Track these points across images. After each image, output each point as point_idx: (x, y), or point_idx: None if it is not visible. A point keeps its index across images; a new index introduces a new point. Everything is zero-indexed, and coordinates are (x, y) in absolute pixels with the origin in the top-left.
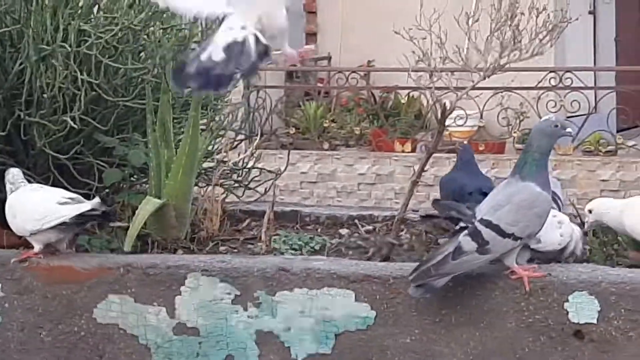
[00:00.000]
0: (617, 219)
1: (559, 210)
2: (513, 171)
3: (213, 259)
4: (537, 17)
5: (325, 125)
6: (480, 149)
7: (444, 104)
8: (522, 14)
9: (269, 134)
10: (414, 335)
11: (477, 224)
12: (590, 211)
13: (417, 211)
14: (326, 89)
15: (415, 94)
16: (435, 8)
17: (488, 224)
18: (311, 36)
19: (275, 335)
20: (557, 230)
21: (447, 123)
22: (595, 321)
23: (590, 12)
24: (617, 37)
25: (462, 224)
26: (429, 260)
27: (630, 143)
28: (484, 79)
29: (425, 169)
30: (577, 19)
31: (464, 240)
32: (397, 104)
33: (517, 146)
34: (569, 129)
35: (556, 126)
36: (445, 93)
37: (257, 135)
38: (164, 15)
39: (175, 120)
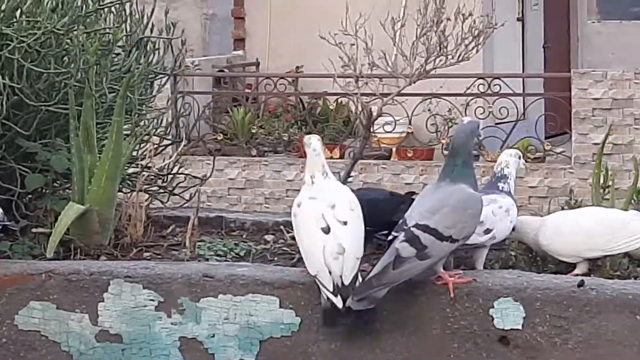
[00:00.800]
0: (534, 240)
1: None
2: (442, 175)
3: (137, 265)
4: (463, 22)
5: (253, 131)
6: (409, 155)
7: (370, 109)
8: (448, 19)
9: (196, 140)
10: (338, 341)
11: (413, 229)
12: (513, 229)
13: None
14: (254, 95)
15: (344, 100)
16: (361, 13)
17: (425, 228)
18: (239, 42)
19: (200, 342)
20: (507, 218)
21: (375, 129)
22: (520, 327)
23: (518, 19)
24: (545, 44)
25: (392, 235)
26: (368, 272)
27: (559, 150)
28: (410, 84)
29: (353, 174)
30: (502, 25)
31: (402, 247)
32: (326, 110)
33: (446, 152)
34: (480, 129)
35: (472, 126)
36: (373, 99)
37: (182, 140)
38: (88, 20)
39: (98, 126)
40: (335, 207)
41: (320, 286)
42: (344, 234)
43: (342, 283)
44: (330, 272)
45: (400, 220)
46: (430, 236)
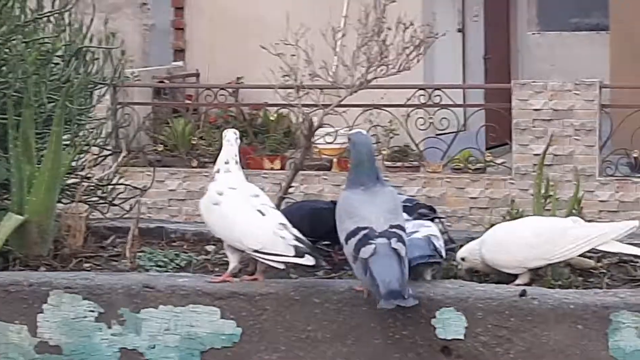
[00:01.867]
0: (482, 259)
1: None
2: (364, 180)
3: (76, 276)
4: (404, 32)
5: (194, 142)
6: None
7: (311, 120)
8: (389, 29)
9: (136, 151)
10: (280, 351)
11: (395, 230)
12: (463, 259)
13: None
14: (194, 106)
15: (285, 111)
16: (302, 23)
17: (400, 227)
18: (179, 53)
19: (140, 353)
20: (438, 242)
21: (316, 140)
22: (462, 337)
23: (459, 30)
24: (485, 55)
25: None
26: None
27: (499, 160)
28: (351, 94)
29: (293, 185)
30: (444, 35)
31: (399, 247)
32: (266, 121)
33: (387, 163)
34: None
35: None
36: (314, 110)
37: (122, 151)
38: (26, 29)
39: (37, 136)
40: (259, 196)
41: (270, 257)
42: (281, 215)
43: (311, 246)
44: (284, 239)
45: (363, 230)
46: (405, 234)
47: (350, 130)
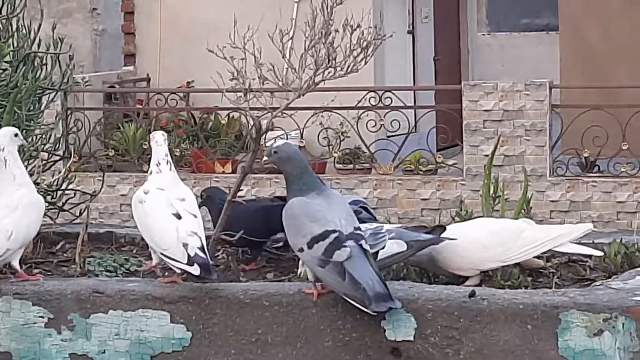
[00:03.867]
0: (429, 258)
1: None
2: (318, 184)
3: (25, 282)
4: (351, 34)
5: (145, 147)
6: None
7: (260, 123)
8: (337, 31)
9: (87, 156)
10: (230, 355)
11: (360, 232)
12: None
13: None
14: (145, 111)
15: (236, 114)
16: (249, 26)
17: (360, 229)
18: (129, 57)
19: (90, 359)
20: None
21: (267, 143)
22: (412, 338)
23: (409, 32)
24: (435, 57)
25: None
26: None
27: (450, 162)
28: (299, 97)
29: (242, 189)
30: (391, 36)
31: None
32: (217, 125)
33: (338, 166)
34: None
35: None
36: (265, 114)
37: (71, 156)
38: None
39: None
40: (185, 200)
41: (171, 261)
42: (197, 224)
43: (206, 259)
44: (186, 245)
45: (333, 232)
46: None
47: (280, 138)
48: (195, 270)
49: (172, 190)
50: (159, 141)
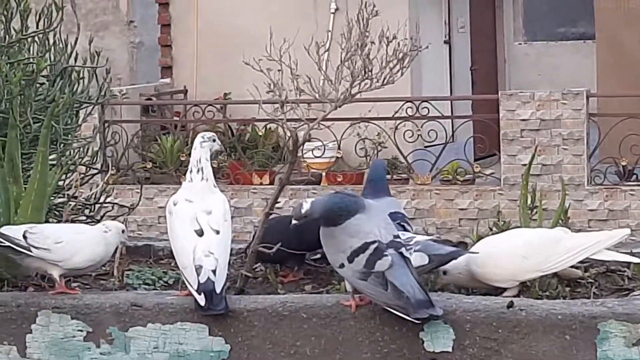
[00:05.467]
0: (466, 275)
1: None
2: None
3: (64, 295)
4: (387, 45)
5: (183, 159)
6: (339, 179)
7: (296, 134)
8: (373, 42)
9: (125, 169)
10: None
11: (400, 240)
12: (444, 273)
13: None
14: (182, 123)
15: (273, 126)
16: (286, 38)
17: (399, 237)
18: (166, 70)
19: None
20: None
21: (304, 155)
22: (450, 349)
23: (445, 42)
24: (472, 66)
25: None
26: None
27: (488, 171)
28: (336, 108)
29: (280, 200)
30: (427, 47)
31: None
32: (255, 137)
33: None
34: None
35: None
36: (302, 125)
37: (109, 169)
38: (11, 50)
39: (24, 156)
40: (211, 213)
41: (185, 281)
42: (216, 242)
43: (214, 287)
44: (200, 268)
45: (372, 244)
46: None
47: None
48: (201, 300)
49: (200, 202)
50: (195, 145)
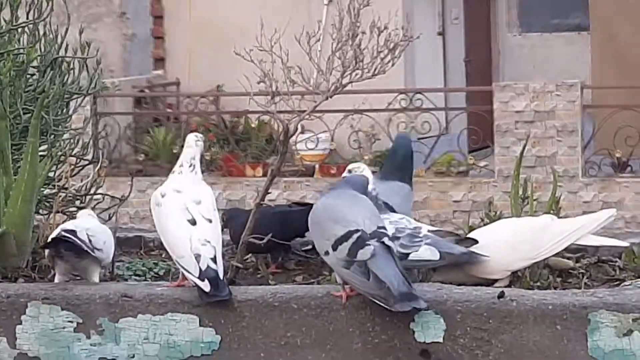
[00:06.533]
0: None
1: None
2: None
3: (54, 287)
4: (378, 36)
5: (175, 151)
6: (332, 171)
7: (287, 125)
8: (364, 32)
9: (118, 161)
10: (259, 358)
11: (384, 231)
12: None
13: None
14: (175, 115)
15: (266, 118)
16: (276, 28)
17: (384, 228)
18: (159, 61)
19: None
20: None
21: (298, 147)
22: (441, 340)
23: (439, 33)
24: (466, 58)
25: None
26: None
27: (482, 163)
28: (327, 99)
29: (273, 192)
30: (418, 38)
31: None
32: (248, 129)
33: (369, 168)
34: None
35: None
36: (294, 117)
37: (98, 161)
38: (0, 40)
39: (14, 147)
40: (200, 203)
41: (183, 271)
42: (210, 230)
43: (217, 274)
44: (198, 256)
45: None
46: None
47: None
48: (205, 286)
49: (189, 192)
50: (188, 142)
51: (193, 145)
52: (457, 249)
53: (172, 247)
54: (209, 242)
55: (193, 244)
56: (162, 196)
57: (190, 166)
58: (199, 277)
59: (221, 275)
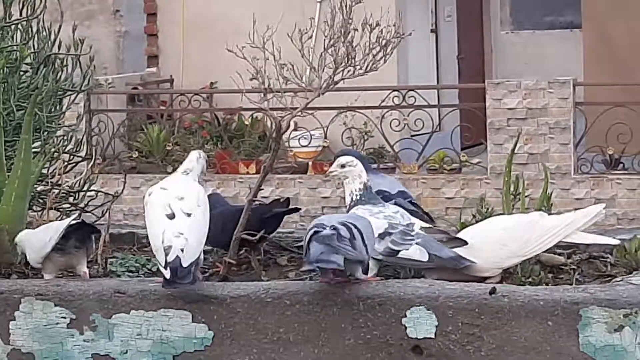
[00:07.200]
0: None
1: None
2: None
3: (48, 282)
4: (370, 33)
5: (169, 148)
6: (325, 169)
7: (279, 122)
8: (356, 29)
9: (111, 157)
10: (252, 354)
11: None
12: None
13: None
14: (169, 112)
15: (259, 115)
16: (268, 25)
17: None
18: (152, 59)
19: (113, 359)
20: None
21: (291, 144)
22: (433, 336)
23: (432, 31)
24: (459, 55)
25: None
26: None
27: (475, 160)
28: (318, 96)
29: (266, 189)
30: (410, 34)
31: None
32: (241, 126)
33: None
34: None
35: None
36: (287, 114)
37: (92, 158)
38: None
39: (7, 144)
40: (183, 199)
41: (157, 262)
42: (187, 224)
43: (180, 263)
44: (169, 248)
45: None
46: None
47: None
48: (167, 274)
49: (174, 190)
50: (190, 156)
51: (194, 159)
52: (445, 253)
53: (151, 241)
54: (182, 234)
55: (165, 237)
56: (149, 195)
57: (184, 172)
58: (164, 267)
59: (185, 264)
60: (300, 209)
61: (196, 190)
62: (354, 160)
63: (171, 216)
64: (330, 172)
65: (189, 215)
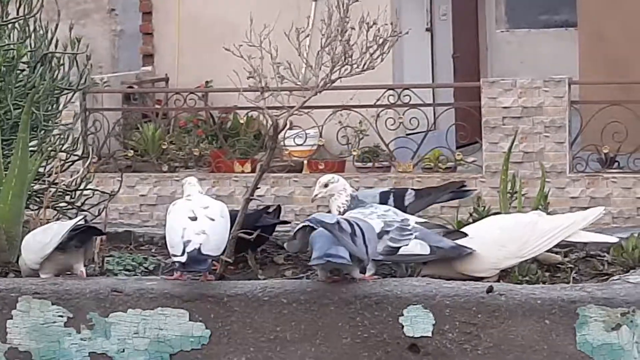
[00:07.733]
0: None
1: None
2: None
3: (45, 281)
4: (367, 31)
5: (164, 147)
6: (320, 167)
7: (276, 121)
8: (353, 28)
9: (107, 156)
10: (249, 353)
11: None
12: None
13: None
14: (164, 111)
15: (254, 113)
16: (265, 24)
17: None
18: (148, 58)
19: (110, 357)
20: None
21: (286, 142)
22: (430, 334)
23: (427, 29)
24: (454, 54)
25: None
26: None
27: (470, 159)
28: (315, 94)
29: (262, 188)
30: (407, 33)
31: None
32: (236, 125)
33: (357, 164)
34: None
35: None
36: (283, 113)
37: (88, 156)
38: None
39: (4, 142)
40: (208, 208)
41: (172, 257)
42: (208, 225)
43: (199, 250)
44: (188, 242)
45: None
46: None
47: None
48: (182, 258)
49: (199, 200)
50: (191, 182)
51: (195, 183)
52: (446, 243)
53: (168, 240)
54: (203, 231)
55: (186, 233)
56: (173, 205)
57: (199, 192)
58: (181, 255)
59: (204, 251)
60: (289, 222)
61: (220, 204)
62: (334, 176)
63: (194, 218)
64: (315, 195)
65: (212, 220)
